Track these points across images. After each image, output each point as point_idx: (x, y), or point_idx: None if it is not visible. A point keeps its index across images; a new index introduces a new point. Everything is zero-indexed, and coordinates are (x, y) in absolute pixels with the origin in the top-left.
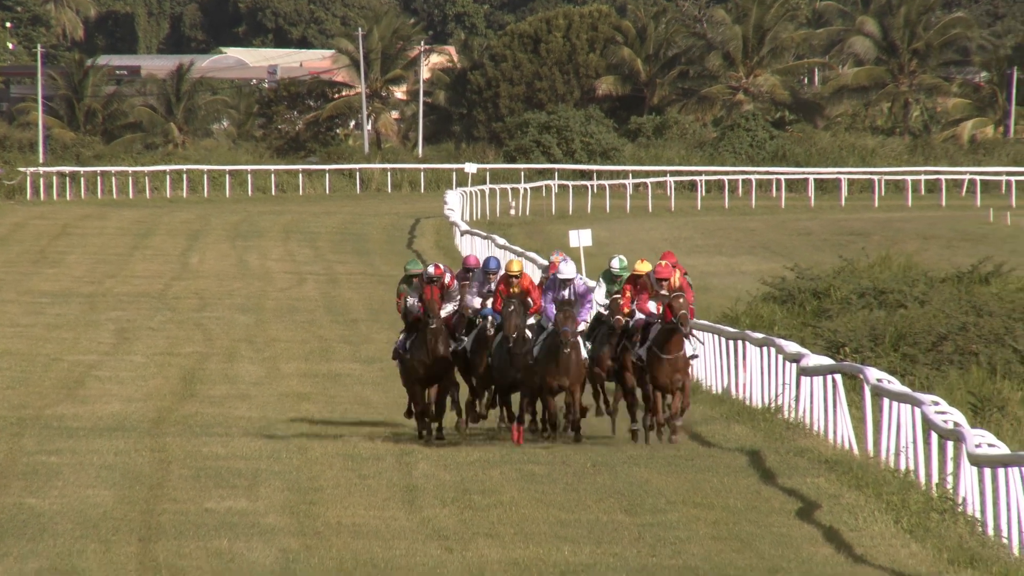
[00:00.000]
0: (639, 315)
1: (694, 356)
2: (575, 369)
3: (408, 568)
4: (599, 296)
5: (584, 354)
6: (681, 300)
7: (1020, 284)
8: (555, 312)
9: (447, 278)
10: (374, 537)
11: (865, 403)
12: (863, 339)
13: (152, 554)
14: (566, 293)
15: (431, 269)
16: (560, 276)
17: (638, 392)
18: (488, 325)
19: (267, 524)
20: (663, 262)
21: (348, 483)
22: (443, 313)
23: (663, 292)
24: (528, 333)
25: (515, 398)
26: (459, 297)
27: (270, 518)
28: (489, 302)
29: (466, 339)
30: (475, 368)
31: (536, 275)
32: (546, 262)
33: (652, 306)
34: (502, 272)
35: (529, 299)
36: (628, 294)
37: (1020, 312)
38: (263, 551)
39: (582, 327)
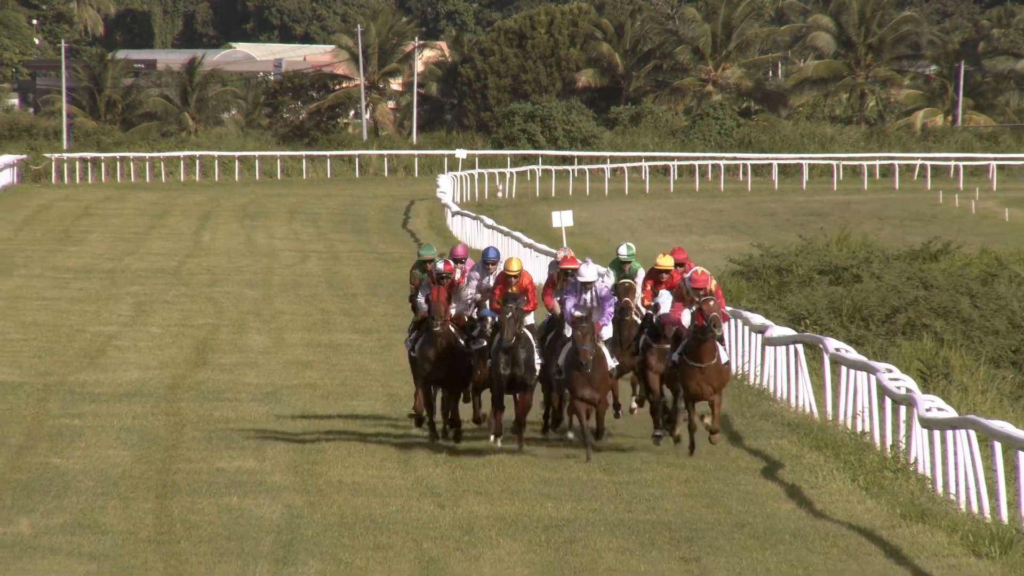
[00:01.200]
0: (662, 309)
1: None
2: (600, 381)
3: (403, 523)
4: (610, 283)
5: (610, 364)
6: (712, 303)
7: (966, 261)
8: (573, 329)
9: (458, 274)
10: (372, 494)
11: (825, 371)
12: (822, 312)
13: (168, 510)
14: (588, 296)
15: (440, 265)
16: (580, 279)
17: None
18: (488, 327)
19: (273, 482)
20: (699, 269)
21: (348, 445)
22: (452, 311)
23: (699, 298)
24: (529, 334)
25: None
26: (469, 299)
27: (276, 477)
28: (487, 301)
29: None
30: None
31: (536, 270)
32: (545, 249)
33: (687, 316)
34: (501, 266)
35: (526, 297)
36: (648, 287)
37: (966, 287)
38: (269, 507)
39: (606, 334)
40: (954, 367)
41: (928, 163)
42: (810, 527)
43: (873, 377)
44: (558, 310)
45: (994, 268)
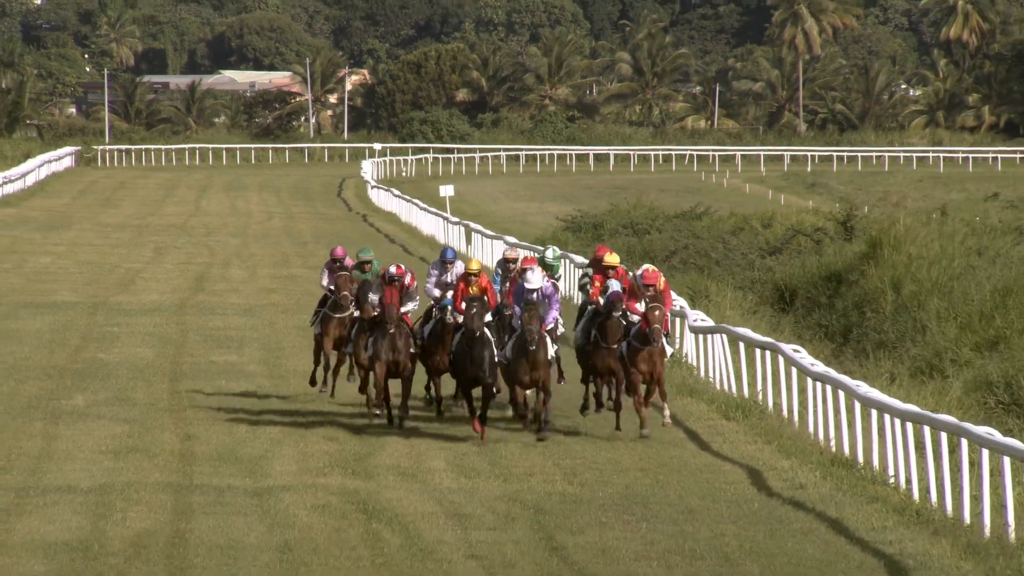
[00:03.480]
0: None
1: (673, 355)
2: (543, 364)
3: (339, 391)
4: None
5: (551, 351)
6: (658, 312)
7: (720, 219)
8: (521, 312)
9: (407, 278)
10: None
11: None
12: (624, 256)
13: (177, 389)
14: (534, 297)
15: (392, 269)
16: (528, 286)
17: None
18: (448, 316)
19: (249, 371)
20: (650, 267)
21: (300, 344)
22: (403, 310)
23: (648, 295)
24: (488, 333)
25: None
26: (417, 296)
27: (251, 367)
28: (449, 293)
29: (426, 333)
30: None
31: (427, 224)
32: (434, 211)
33: (640, 307)
34: (460, 265)
35: (486, 297)
36: (598, 284)
37: (720, 237)
38: (247, 386)
39: (550, 326)
40: (712, 291)
41: (695, 153)
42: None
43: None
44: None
45: (740, 224)
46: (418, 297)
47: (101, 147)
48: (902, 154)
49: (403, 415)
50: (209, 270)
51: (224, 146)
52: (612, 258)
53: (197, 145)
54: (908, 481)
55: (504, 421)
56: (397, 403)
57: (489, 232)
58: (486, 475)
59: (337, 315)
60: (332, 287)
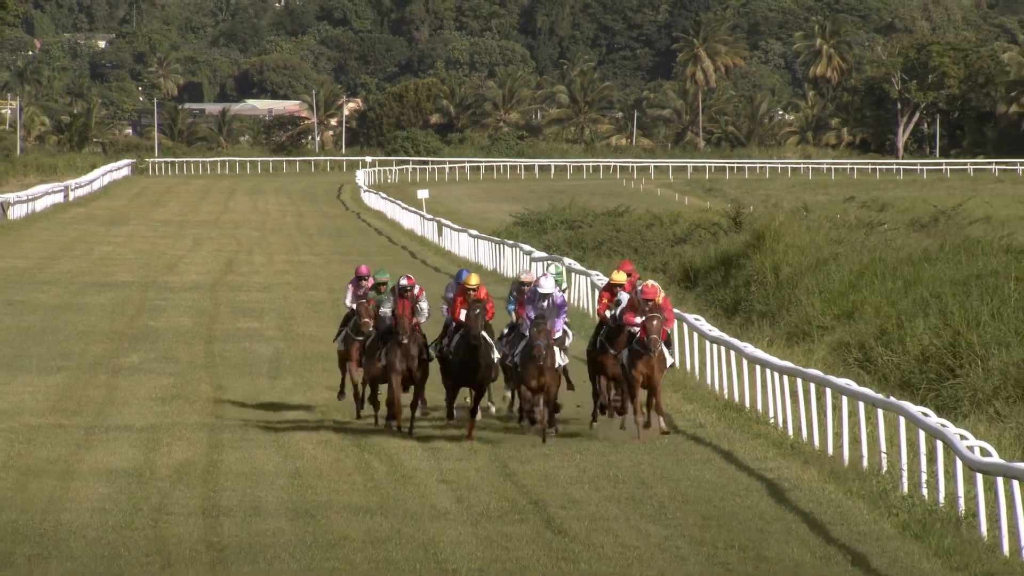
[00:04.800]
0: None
1: (673, 365)
2: (550, 373)
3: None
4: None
5: (558, 360)
6: (655, 323)
7: (636, 216)
8: (530, 326)
9: (416, 289)
10: (324, 342)
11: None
12: (563, 245)
13: (210, 350)
14: (545, 304)
15: (403, 280)
16: (540, 290)
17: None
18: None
19: (268, 335)
20: (650, 282)
21: (309, 314)
22: (415, 320)
23: (646, 308)
24: (489, 338)
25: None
26: (428, 306)
27: (269, 332)
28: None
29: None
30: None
31: (407, 220)
32: (413, 209)
33: (638, 320)
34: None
35: (486, 304)
36: (604, 300)
37: (638, 230)
38: (266, 348)
39: (558, 335)
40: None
41: (618, 164)
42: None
43: (588, 278)
44: (522, 319)
45: (653, 220)
46: (428, 306)
47: (151, 160)
48: (779, 165)
49: (418, 415)
50: (236, 256)
51: (247, 159)
52: (619, 276)
53: (226, 158)
54: (784, 421)
55: (498, 419)
56: (406, 415)
57: (456, 226)
58: (454, 423)
59: (359, 338)
60: (355, 307)
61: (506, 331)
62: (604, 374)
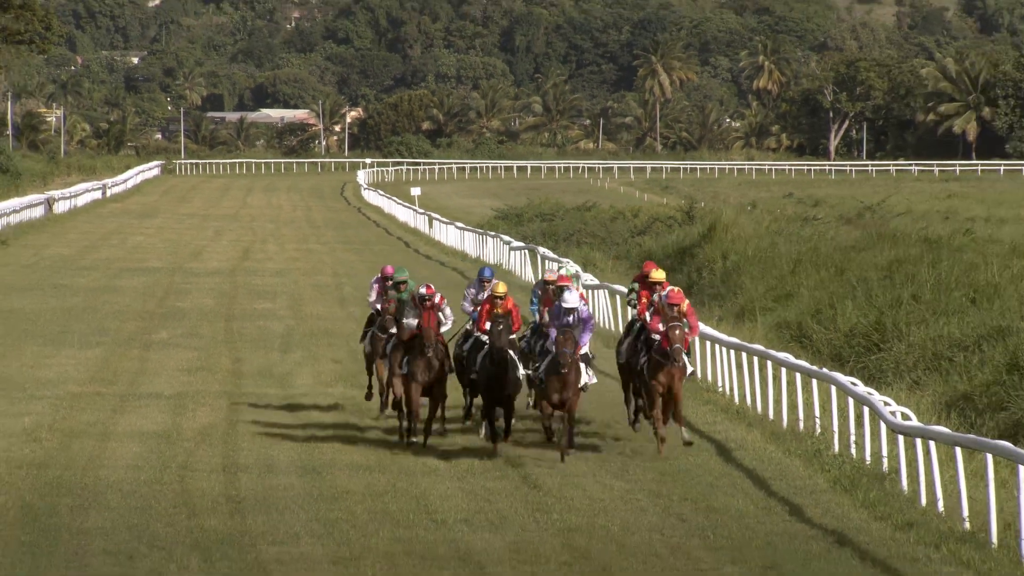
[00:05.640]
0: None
1: (693, 373)
2: (573, 386)
3: (350, 334)
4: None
5: (584, 379)
6: (678, 331)
7: (602, 210)
8: (556, 334)
9: (437, 297)
10: (331, 320)
11: (538, 263)
12: (538, 235)
13: (230, 327)
14: (571, 319)
15: (423, 289)
16: (565, 305)
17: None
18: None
19: (280, 314)
20: (675, 288)
21: (316, 296)
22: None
23: (672, 315)
24: (513, 353)
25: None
26: (450, 313)
27: (281, 312)
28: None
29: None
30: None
31: (402, 213)
32: (403, 204)
33: (661, 326)
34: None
35: (511, 319)
36: (644, 300)
37: (603, 223)
38: (278, 326)
39: (585, 350)
40: (598, 260)
41: (586, 166)
42: None
43: (539, 261)
44: (546, 318)
45: (616, 214)
46: (450, 313)
47: (178, 161)
48: (727, 166)
49: (434, 431)
50: (252, 245)
51: (262, 160)
52: (658, 274)
53: (244, 160)
54: (731, 390)
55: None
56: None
57: (444, 219)
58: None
59: (385, 335)
60: (380, 306)
61: (528, 333)
62: (648, 392)
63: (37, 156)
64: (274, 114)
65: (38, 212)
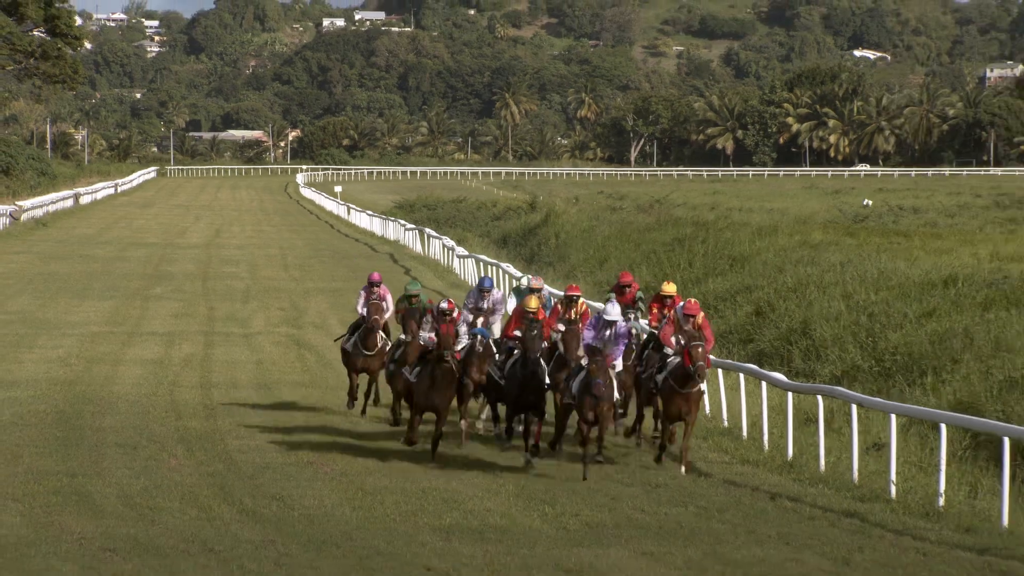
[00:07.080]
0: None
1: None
2: (607, 403)
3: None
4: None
5: (616, 396)
6: (700, 350)
7: (470, 202)
8: (589, 361)
9: (455, 312)
10: (277, 280)
11: (426, 240)
12: (425, 220)
13: (207, 285)
14: (608, 332)
15: (444, 304)
16: (606, 317)
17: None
18: (478, 343)
19: (242, 276)
20: (692, 300)
21: (268, 263)
22: (457, 346)
23: (687, 327)
24: (542, 362)
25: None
26: (465, 335)
27: (243, 274)
28: (480, 320)
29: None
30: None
31: (325, 202)
32: (327, 197)
33: (675, 340)
34: (496, 293)
35: (542, 326)
36: (655, 311)
37: (470, 211)
38: (240, 284)
39: (618, 367)
40: (468, 238)
41: (459, 171)
42: None
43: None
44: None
45: (480, 205)
46: (464, 331)
47: (169, 167)
48: (558, 171)
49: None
50: (222, 227)
51: (229, 167)
52: (670, 287)
53: (216, 166)
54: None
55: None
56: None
57: (358, 208)
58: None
59: (366, 352)
60: (365, 312)
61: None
62: (667, 415)
63: (68, 164)
64: (237, 134)
65: (69, 203)
